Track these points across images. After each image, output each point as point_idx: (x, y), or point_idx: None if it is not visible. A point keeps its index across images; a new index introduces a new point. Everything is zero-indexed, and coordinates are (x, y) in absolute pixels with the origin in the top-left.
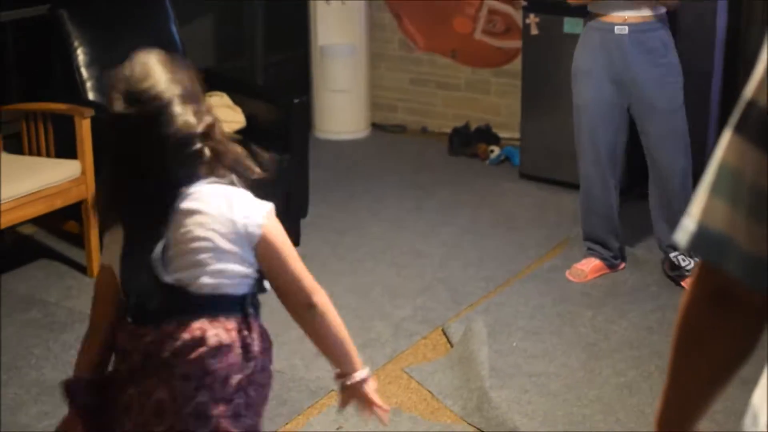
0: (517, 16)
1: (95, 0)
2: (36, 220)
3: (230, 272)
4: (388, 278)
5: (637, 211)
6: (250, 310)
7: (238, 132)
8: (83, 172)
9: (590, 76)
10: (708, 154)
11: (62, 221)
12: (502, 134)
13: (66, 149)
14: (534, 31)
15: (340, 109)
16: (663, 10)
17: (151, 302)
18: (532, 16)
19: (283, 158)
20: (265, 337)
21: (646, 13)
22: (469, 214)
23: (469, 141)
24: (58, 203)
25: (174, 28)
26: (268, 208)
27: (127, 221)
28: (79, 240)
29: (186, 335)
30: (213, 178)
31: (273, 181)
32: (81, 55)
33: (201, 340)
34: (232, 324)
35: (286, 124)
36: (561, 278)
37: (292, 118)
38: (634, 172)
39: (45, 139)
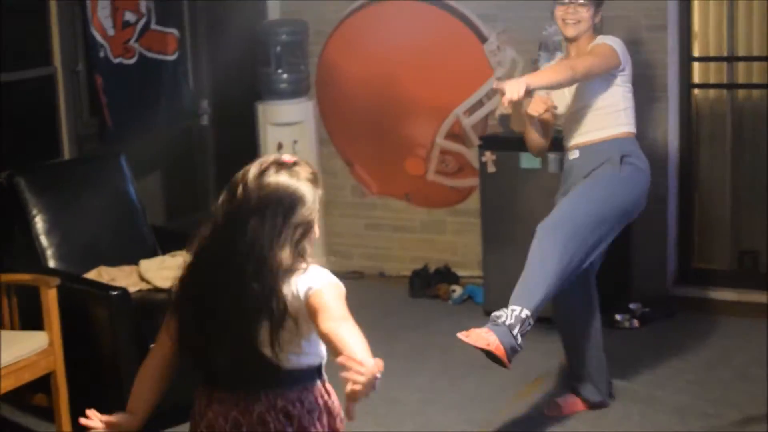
0: (470, 154)
1: (52, 165)
2: (1, 396)
3: (312, 349)
4: (365, 429)
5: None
6: (324, 376)
7: None
8: (51, 344)
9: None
10: (669, 280)
11: (30, 394)
12: (462, 273)
13: (31, 320)
14: (491, 169)
15: None
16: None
17: (247, 374)
18: (488, 153)
19: None
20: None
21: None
22: (440, 356)
23: (429, 282)
24: (26, 377)
25: (131, 188)
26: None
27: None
28: (48, 413)
29: (280, 403)
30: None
31: None
32: (40, 222)
33: (291, 409)
34: (315, 392)
35: None
36: (540, 416)
37: None
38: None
39: (9, 310)
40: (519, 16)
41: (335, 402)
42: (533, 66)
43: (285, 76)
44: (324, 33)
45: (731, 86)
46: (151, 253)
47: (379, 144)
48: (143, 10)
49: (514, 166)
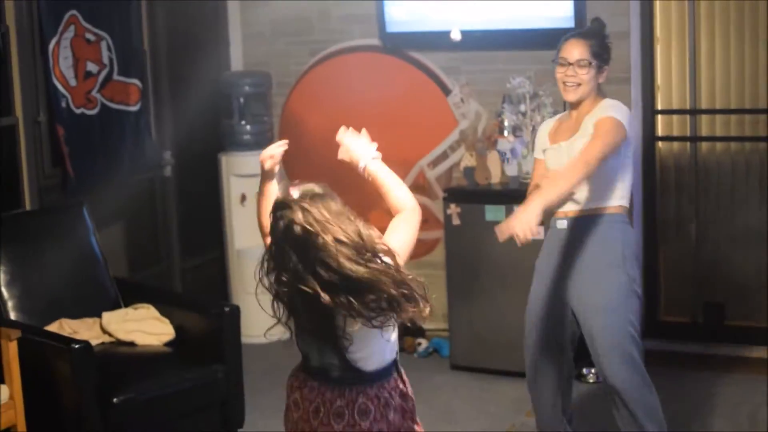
0: (434, 206)
1: (14, 216)
2: None
3: (390, 347)
4: None
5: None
6: (400, 369)
7: (168, 344)
8: (11, 397)
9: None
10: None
11: None
12: (427, 326)
13: None
14: (456, 221)
15: (262, 312)
16: (609, 203)
17: (334, 373)
18: (453, 206)
19: (217, 368)
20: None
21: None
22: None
23: None
24: None
25: (94, 239)
26: None
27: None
28: None
29: (360, 400)
30: None
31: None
32: (1, 274)
33: (369, 404)
34: (390, 386)
35: (218, 333)
36: None
37: (223, 326)
38: None
39: None
40: (482, 69)
41: (409, 389)
42: (498, 118)
43: (248, 127)
44: (287, 84)
45: (695, 139)
46: (114, 305)
47: (343, 196)
48: (105, 60)
49: (478, 218)
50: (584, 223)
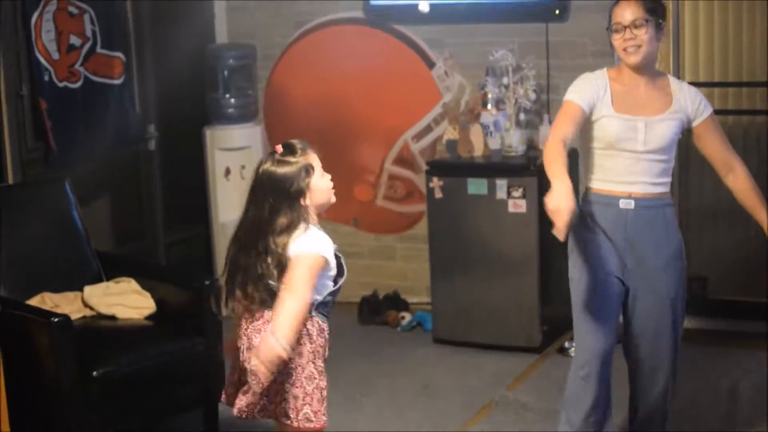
0: (418, 180)
1: None
2: None
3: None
4: None
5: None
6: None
7: (149, 317)
8: None
9: None
10: None
11: None
12: (411, 299)
13: None
14: (438, 195)
15: None
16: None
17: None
18: (435, 179)
19: (197, 341)
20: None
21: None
22: (388, 384)
23: (378, 309)
24: None
25: (76, 213)
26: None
27: None
28: None
29: None
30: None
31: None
32: None
33: None
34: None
35: (198, 307)
36: None
37: (204, 300)
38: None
39: None
40: (465, 41)
41: (317, 333)
42: (481, 91)
43: (233, 100)
44: (272, 57)
45: None
46: (96, 279)
47: (327, 169)
48: (88, 33)
49: (461, 192)
50: (650, 206)
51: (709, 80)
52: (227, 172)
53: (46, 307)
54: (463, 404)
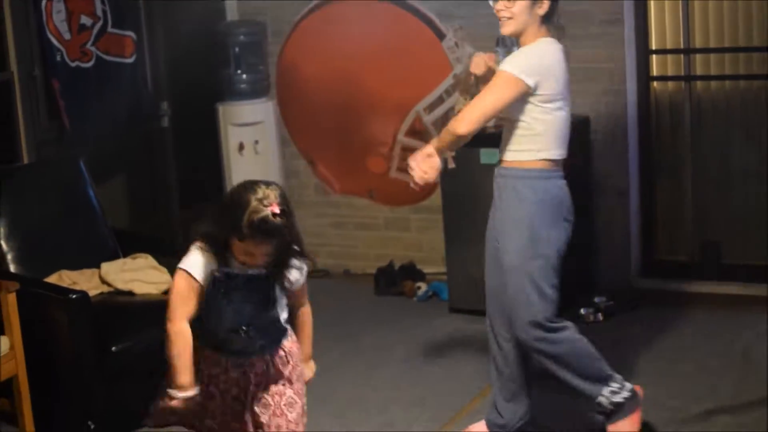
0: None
1: (11, 170)
2: None
3: None
4: (328, 428)
5: None
6: None
7: (166, 292)
8: (12, 347)
9: None
10: (632, 273)
11: None
12: (427, 270)
13: None
14: (451, 165)
15: None
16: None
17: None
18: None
19: None
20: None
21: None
22: (404, 353)
23: (394, 280)
24: None
25: (91, 192)
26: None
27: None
28: (11, 418)
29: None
30: None
31: None
32: (0, 228)
33: None
34: None
35: None
36: None
37: None
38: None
39: None
40: (474, 13)
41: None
42: None
43: (244, 76)
44: (282, 33)
45: (690, 78)
46: (113, 256)
47: (340, 143)
48: (99, 13)
49: (474, 162)
50: (503, 174)
51: (704, 46)
52: (241, 147)
53: (64, 284)
54: (479, 371)
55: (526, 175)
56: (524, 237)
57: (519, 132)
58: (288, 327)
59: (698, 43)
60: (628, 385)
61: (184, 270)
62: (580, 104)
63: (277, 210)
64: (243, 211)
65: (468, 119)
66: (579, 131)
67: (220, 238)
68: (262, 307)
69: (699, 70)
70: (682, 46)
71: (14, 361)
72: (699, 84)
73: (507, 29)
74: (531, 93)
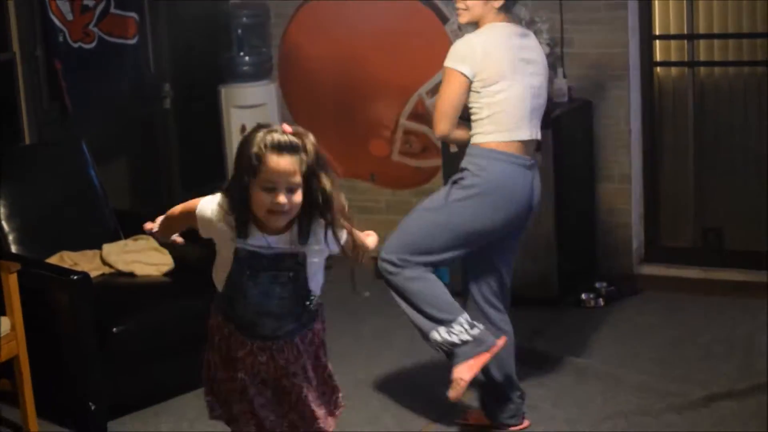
0: (433, 134)
1: (13, 150)
2: None
3: None
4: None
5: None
6: None
7: (167, 274)
8: (13, 328)
9: None
10: (634, 258)
11: None
12: None
13: None
14: (453, 149)
15: None
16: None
17: None
18: None
19: None
20: None
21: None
22: (406, 337)
23: None
24: None
25: (93, 173)
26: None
27: None
28: (12, 398)
29: None
30: None
31: None
32: (1, 208)
33: None
34: None
35: None
36: None
37: None
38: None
39: None
40: None
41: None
42: None
43: (247, 59)
44: (285, 15)
45: (693, 64)
46: (114, 237)
47: (343, 126)
48: None
49: None
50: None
51: (708, 31)
52: (243, 129)
53: (65, 265)
54: None
55: (472, 152)
56: (444, 196)
57: (472, 117)
58: (319, 307)
59: (702, 28)
60: (477, 331)
61: (199, 203)
62: (583, 89)
63: (288, 129)
64: (254, 141)
65: (437, 120)
66: (582, 116)
67: (239, 190)
68: (291, 288)
69: (702, 56)
70: (685, 32)
71: (15, 342)
72: (702, 70)
73: (461, 19)
74: (471, 80)
